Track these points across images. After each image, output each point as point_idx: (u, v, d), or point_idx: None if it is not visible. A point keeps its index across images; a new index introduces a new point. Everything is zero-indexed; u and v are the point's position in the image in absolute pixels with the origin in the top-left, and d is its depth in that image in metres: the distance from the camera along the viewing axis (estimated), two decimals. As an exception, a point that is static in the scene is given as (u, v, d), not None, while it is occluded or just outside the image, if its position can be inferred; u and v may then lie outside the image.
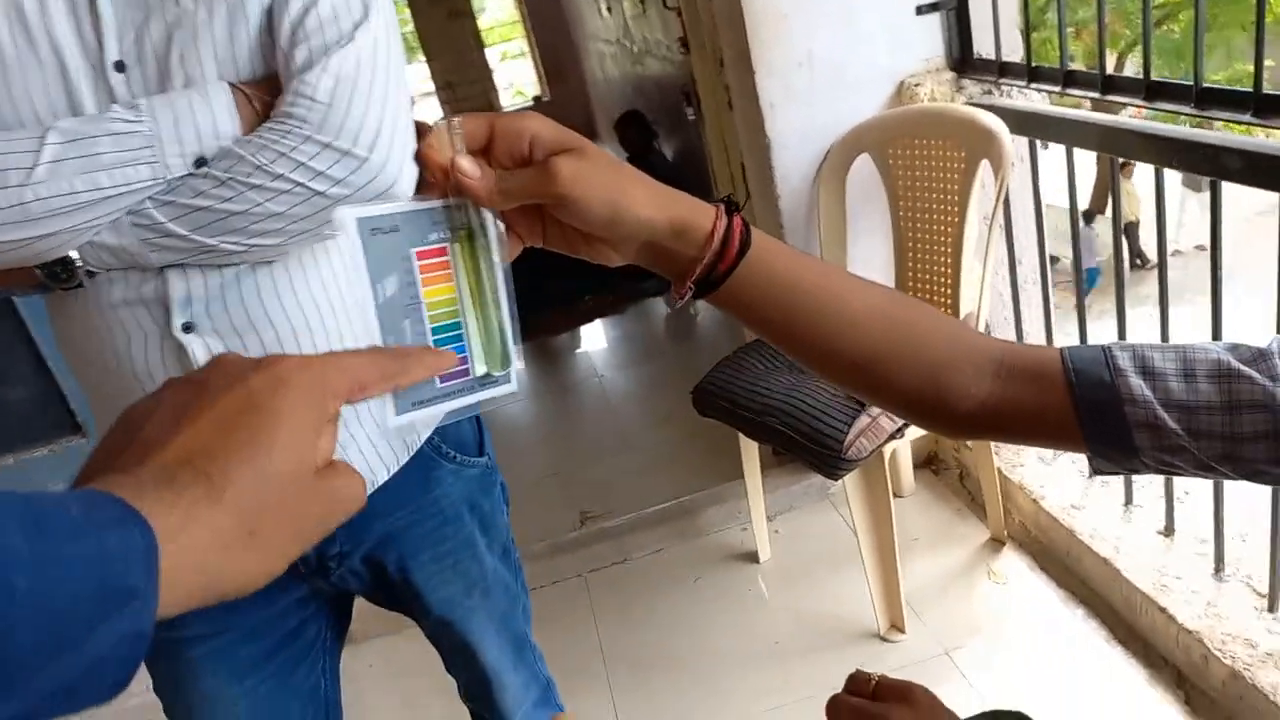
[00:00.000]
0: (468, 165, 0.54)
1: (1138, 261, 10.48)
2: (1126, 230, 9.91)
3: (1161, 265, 1.64)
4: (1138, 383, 0.61)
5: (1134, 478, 1.90)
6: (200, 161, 0.82)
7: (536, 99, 8.56)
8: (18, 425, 1.93)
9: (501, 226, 0.58)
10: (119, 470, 0.38)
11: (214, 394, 0.41)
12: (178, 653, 1.04)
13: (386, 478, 1.04)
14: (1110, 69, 1.62)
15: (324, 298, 0.94)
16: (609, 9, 5.63)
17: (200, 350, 0.90)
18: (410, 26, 7.82)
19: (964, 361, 0.64)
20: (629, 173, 0.58)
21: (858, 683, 0.78)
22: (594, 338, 4.27)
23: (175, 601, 0.36)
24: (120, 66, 0.85)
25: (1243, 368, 0.59)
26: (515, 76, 10.61)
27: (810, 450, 1.75)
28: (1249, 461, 0.59)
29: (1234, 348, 0.61)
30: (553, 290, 3.80)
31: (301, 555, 0.76)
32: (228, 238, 0.83)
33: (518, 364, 0.58)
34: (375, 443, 1.02)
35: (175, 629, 1.03)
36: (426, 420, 0.56)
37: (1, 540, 0.30)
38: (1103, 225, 10.03)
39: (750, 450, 2.12)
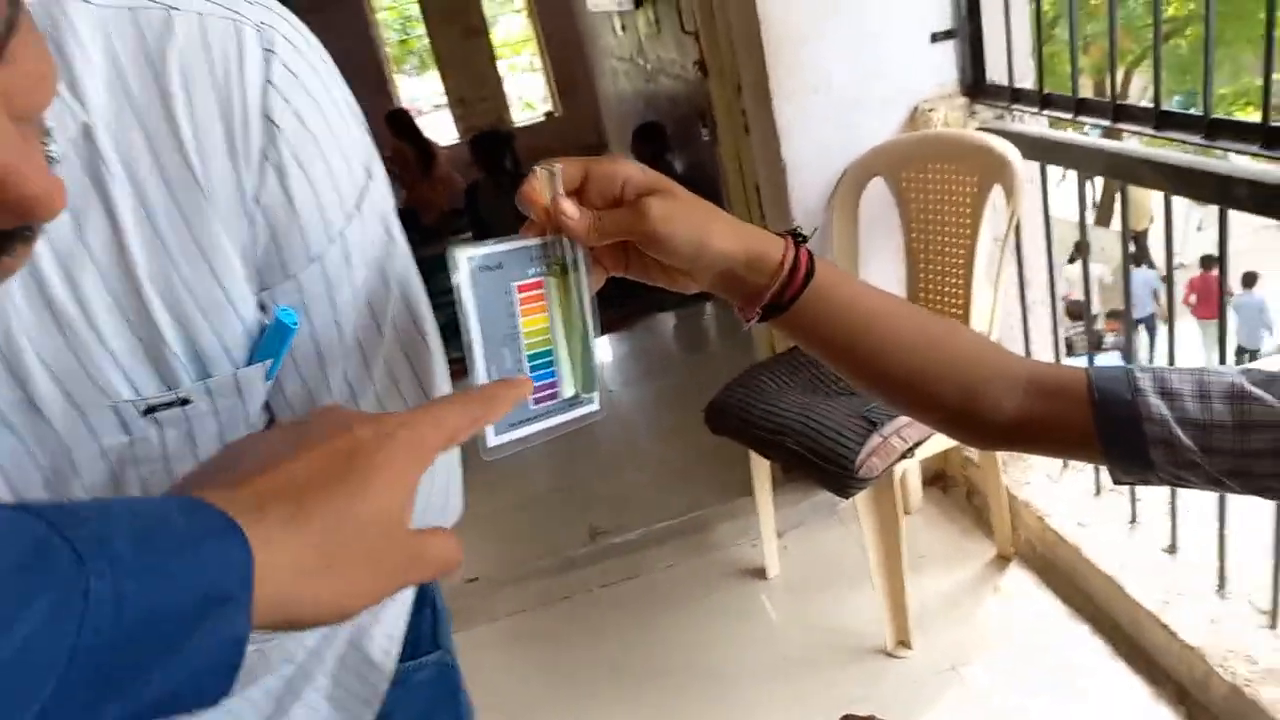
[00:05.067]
0: (569, 207, 0.59)
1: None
2: (1135, 238, 9.84)
3: (1170, 283, 1.68)
4: (1156, 402, 0.65)
5: (1140, 496, 1.93)
6: None
7: (548, 114, 8.63)
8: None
9: (590, 260, 0.62)
10: (213, 490, 0.39)
11: (318, 438, 0.43)
12: None
13: None
14: (1117, 82, 1.66)
15: None
16: (623, 28, 5.70)
17: None
18: (426, 43, 7.91)
19: (997, 378, 0.69)
20: (711, 209, 0.64)
21: None
22: (604, 353, 4.31)
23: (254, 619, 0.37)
24: None
25: (1255, 390, 0.63)
26: (524, 90, 10.69)
27: (822, 469, 1.79)
28: (1258, 477, 0.64)
29: (1246, 371, 0.65)
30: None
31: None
32: None
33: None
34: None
35: None
36: (522, 442, 0.60)
37: (113, 550, 0.32)
38: (1110, 239, 9.89)
39: (761, 467, 2.16)
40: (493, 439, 0.58)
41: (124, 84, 0.49)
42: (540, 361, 0.60)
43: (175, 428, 0.54)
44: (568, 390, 0.62)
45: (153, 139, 0.49)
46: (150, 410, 0.53)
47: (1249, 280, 8.96)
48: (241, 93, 0.51)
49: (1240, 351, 8.88)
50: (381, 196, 0.60)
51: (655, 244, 0.61)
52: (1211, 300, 8.90)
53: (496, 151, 4.92)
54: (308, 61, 0.54)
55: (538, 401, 0.60)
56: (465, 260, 0.56)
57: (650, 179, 0.61)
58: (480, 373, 0.57)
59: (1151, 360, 1.81)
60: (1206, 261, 9.08)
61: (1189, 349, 8.29)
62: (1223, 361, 1.56)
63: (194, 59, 0.50)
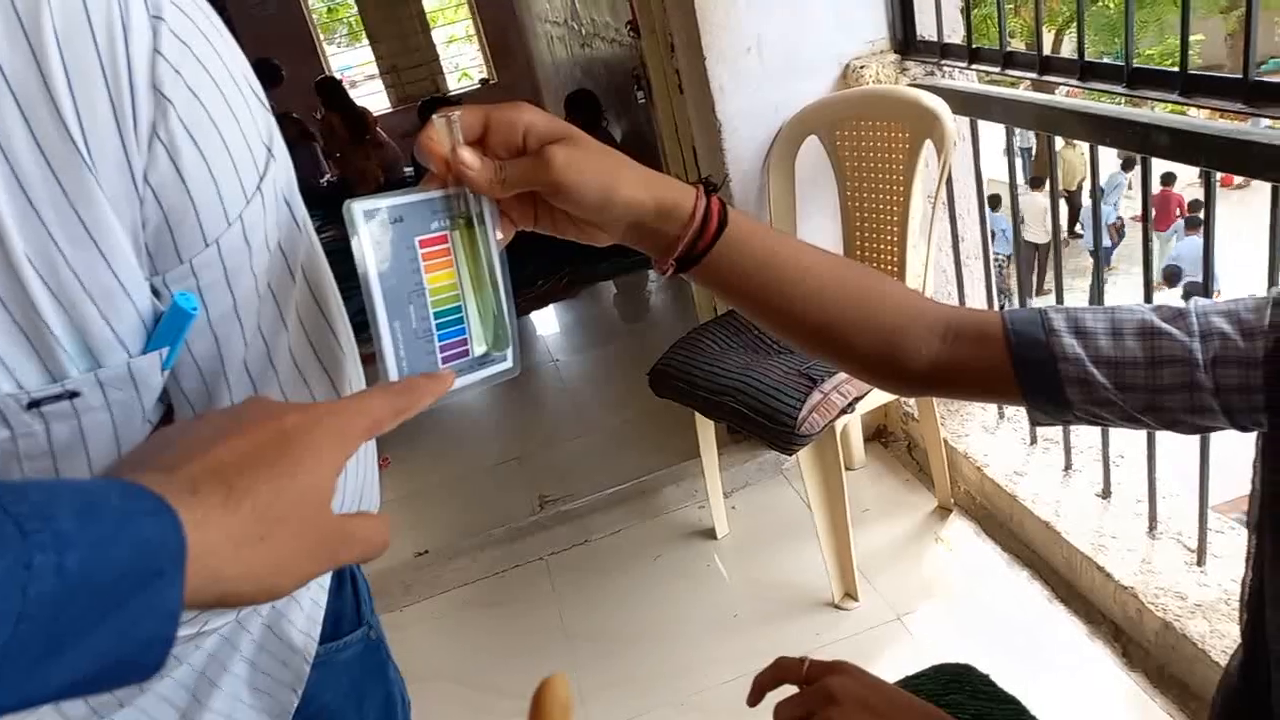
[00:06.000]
0: (469, 156, 0.57)
1: (1079, 230, 10.75)
2: (1067, 197, 10.19)
3: (1096, 232, 1.72)
4: (1070, 341, 0.66)
5: (1073, 444, 1.98)
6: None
7: (483, 81, 8.49)
8: None
9: (497, 212, 0.60)
10: (147, 472, 0.40)
11: (249, 425, 0.44)
12: None
13: None
14: (1047, 45, 1.68)
15: None
16: (555, -9, 5.62)
17: None
18: (354, 10, 7.72)
19: (915, 325, 0.69)
20: (618, 158, 0.62)
21: (789, 670, 0.82)
22: (547, 322, 4.29)
23: (187, 595, 0.38)
24: None
25: (1164, 325, 0.65)
26: (461, 59, 10.49)
27: (766, 427, 1.80)
28: (1169, 411, 0.65)
29: (1157, 308, 0.66)
30: (506, 254, 3.83)
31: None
32: None
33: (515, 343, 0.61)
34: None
35: None
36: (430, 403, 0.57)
37: (55, 525, 0.34)
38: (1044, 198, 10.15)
39: (706, 429, 2.17)
40: None
41: None
42: (448, 319, 0.58)
43: (63, 422, 0.49)
44: (478, 348, 0.60)
45: (27, 110, 0.44)
46: (35, 404, 0.48)
47: (1198, 204, 9.42)
48: (128, 64, 0.46)
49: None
50: (285, 177, 0.56)
51: (560, 194, 0.59)
52: (1168, 212, 9.62)
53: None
54: (200, 30, 0.50)
55: (446, 360, 0.58)
56: (361, 213, 0.53)
57: (553, 126, 0.59)
58: (384, 330, 0.55)
59: (1103, 287, 1.87)
60: (1166, 179, 9.66)
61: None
62: (1148, 296, 1.60)
63: (72, 26, 0.45)
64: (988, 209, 1.95)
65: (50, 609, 0.33)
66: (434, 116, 0.57)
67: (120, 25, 0.46)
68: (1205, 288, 1.48)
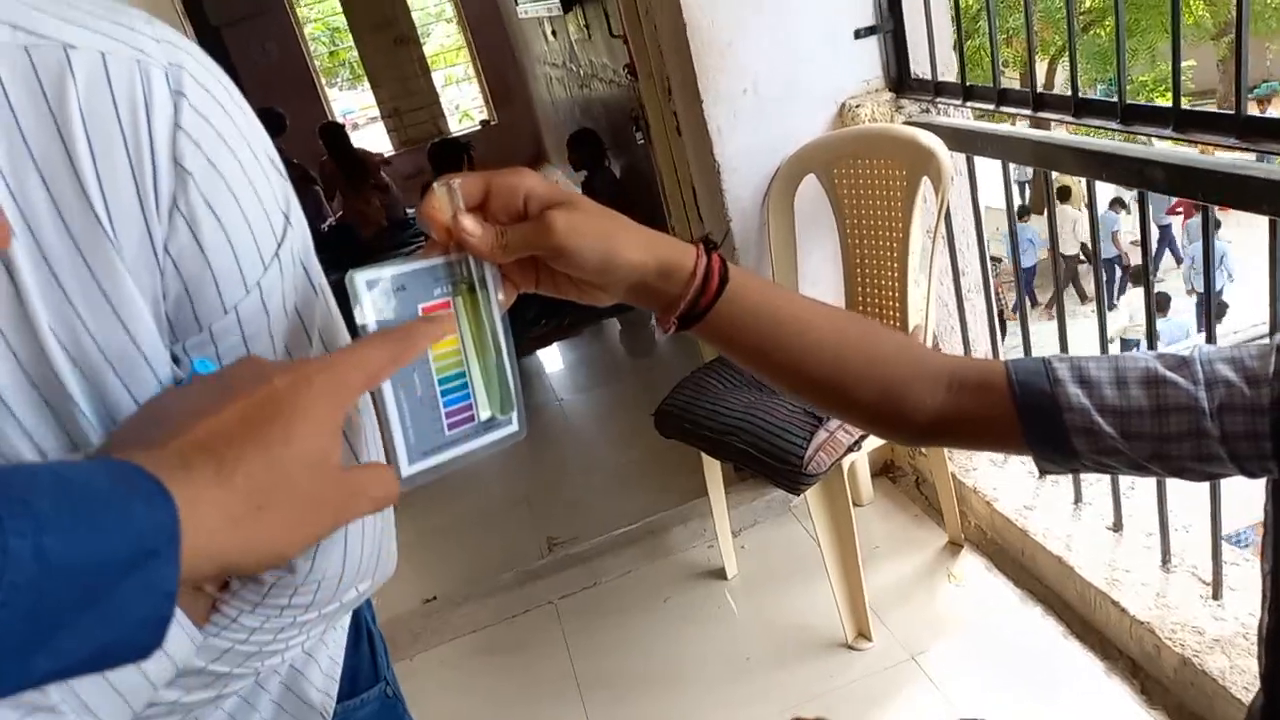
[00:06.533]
0: (470, 224, 0.57)
1: (1081, 256, 10.81)
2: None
3: (1096, 266, 1.72)
4: (1075, 391, 0.66)
5: (1083, 477, 1.97)
6: None
7: (484, 122, 8.57)
8: None
9: (499, 277, 0.61)
10: (139, 449, 0.40)
11: (239, 390, 0.43)
12: None
13: None
14: (1040, 74, 1.70)
15: None
16: (554, 33, 5.69)
17: None
18: (354, 54, 7.81)
19: (918, 377, 0.70)
20: (619, 220, 0.62)
21: None
22: (552, 361, 4.29)
23: (185, 573, 0.38)
24: None
25: (1169, 374, 0.65)
26: (461, 100, 10.60)
27: (772, 467, 1.79)
28: (1176, 459, 0.65)
29: (1160, 356, 0.67)
30: (508, 316, 3.84)
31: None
32: None
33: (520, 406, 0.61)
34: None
35: None
36: (438, 469, 0.57)
37: (34, 510, 0.33)
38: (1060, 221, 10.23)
39: (713, 469, 2.16)
40: (407, 468, 0.55)
41: (17, 126, 0.45)
42: (453, 385, 0.58)
43: None
44: (484, 413, 0.60)
45: (52, 186, 0.46)
46: None
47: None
48: (150, 139, 0.48)
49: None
50: (302, 242, 0.57)
51: (562, 258, 0.60)
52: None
53: (454, 159, 4.97)
54: (219, 104, 0.51)
55: (453, 426, 0.58)
56: (364, 284, 0.54)
57: (553, 191, 0.60)
58: (388, 399, 0.54)
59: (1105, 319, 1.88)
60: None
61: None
62: (1150, 324, 1.60)
63: (97, 102, 0.46)
64: (1017, 221, 1.95)
65: (31, 594, 0.32)
66: (434, 184, 0.58)
67: (143, 101, 0.48)
68: (1207, 305, 1.48)
